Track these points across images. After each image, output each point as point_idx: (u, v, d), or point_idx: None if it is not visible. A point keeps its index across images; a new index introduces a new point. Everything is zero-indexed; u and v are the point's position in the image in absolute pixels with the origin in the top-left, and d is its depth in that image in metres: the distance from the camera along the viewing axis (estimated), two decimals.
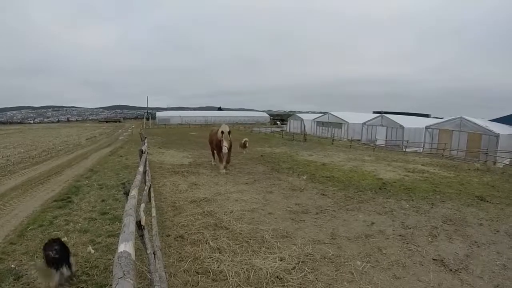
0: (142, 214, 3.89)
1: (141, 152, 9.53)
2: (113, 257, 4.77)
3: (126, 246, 2.08)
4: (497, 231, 7.02)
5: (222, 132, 13.34)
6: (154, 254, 3.34)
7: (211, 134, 15.24)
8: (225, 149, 13.13)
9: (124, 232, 2.41)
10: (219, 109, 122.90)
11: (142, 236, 3.70)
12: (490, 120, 43.43)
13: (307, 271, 4.92)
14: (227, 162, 14.12)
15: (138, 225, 3.78)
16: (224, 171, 13.55)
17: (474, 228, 7.17)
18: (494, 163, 21.76)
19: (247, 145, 21.23)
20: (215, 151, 14.88)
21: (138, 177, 5.25)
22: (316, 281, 4.64)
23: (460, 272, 5.08)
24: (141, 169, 6.55)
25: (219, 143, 13.45)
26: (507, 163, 21.92)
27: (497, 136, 27.26)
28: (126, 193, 4.17)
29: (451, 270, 5.15)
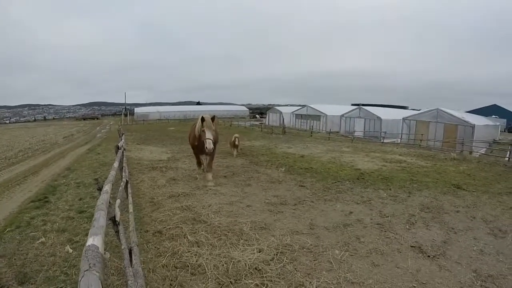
0: (117, 209, 3.85)
1: (117, 148, 9.51)
2: None
3: (94, 240, 2.08)
4: (474, 217, 7.18)
5: (203, 120, 9.29)
6: (131, 250, 3.31)
7: (192, 130, 10.87)
8: (209, 144, 8.86)
9: (93, 226, 2.41)
10: (198, 103, 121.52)
11: (117, 232, 3.67)
12: (467, 112, 44.51)
13: (285, 261, 4.93)
14: (209, 165, 10.40)
15: (113, 220, 3.78)
16: (212, 183, 9.87)
17: (451, 215, 7.32)
18: (470, 152, 22.28)
19: (237, 142, 16.50)
20: (200, 156, 10.82)
21: (112, 173, 5.19)
22: (295, 271, 4.64)
23: (438, 258, 5.17)
24: (116, 164, 6.50)
25: (200, 141, 9.47)
26: (483, 152, 22.50)
27: (473, 126, 28.04)
28: (99, 189, 4.12)
29: (429, 256, 5.23)
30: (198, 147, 10.14)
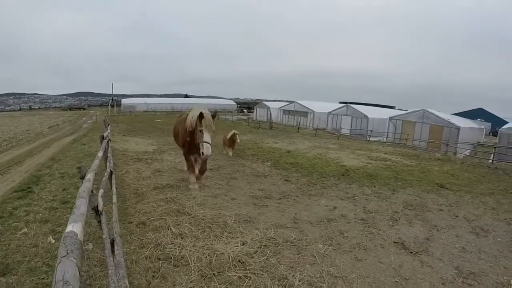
0: (99, 199, 3.84)
1: (102, 138, 9.44)
2: None
3: (73, 227, 2.09)
4: (456, 216, 7.29)
5: (201, 117, 7.40)
6: (114, 240, 3.30)
7: (178, 123, 9.26)
8: (208, 149, 7.26)
9: (74, 213, 2.44)
10: (186, 96, 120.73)
11: (100, 222, 3.65)
12: (453, 114, 45.21)
13: (269, 254, 4.91)
14: (202, 172, 8.73)
15: (96, 210, 3.78)
16: (196, 186, 8.45)
17: (434, 213, 7.41)
18: (455, 153, 22.65)
19: (237, 140, 14.31)
20: (190, 155, 8.52)
21: (96, 162, 5.16)
22: (278, 264, 4.64)
23: (420, 254, 5.22)
24: (100, 154, 6.49)
25: (193, 137, 7.77)
26: (467, 154, 22.88)
27: (458, 128, 28.60)
28: (82, 177, 4.07)
29: (411, 252, 5.28)
30: (189, 147, 8.15)
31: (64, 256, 1.64)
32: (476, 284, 4.44)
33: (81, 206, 2.65)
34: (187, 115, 8.17)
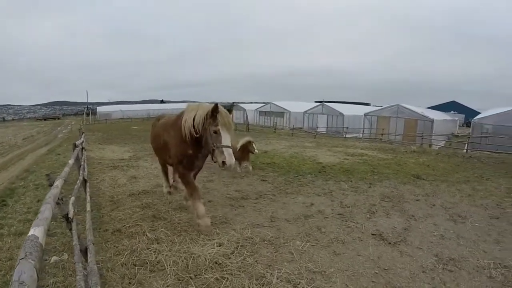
0: (70, 207, 3.81)
1: (74, 146, 9.24)
2: (49, 257, 4.62)
3: (35, 231, 2.13)
4: (433, 205, 7.36)
5: (215, 113, 5.21)
6: (87, 248, 3.31)
7: (162, 129, 6.64)
8: (230, 157, 5.12)
9: (38, 218, 2.45)
10: (162, 101, 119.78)
11: (70, 229, 3.63)
12: (427, 108, 46.34)
13: (246, 254, 4.84)
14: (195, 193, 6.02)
15: (66, 218, 3.76)
16: (209, 221, 5.81)
17: (411, 203, 7.45)
18: (430, 145, 23.14)
19: (255, 150, 10.93)
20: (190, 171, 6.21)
21: (66, 169, 5.09)
22: (256, 264, 4.57)
23: (399, 245, 5.22)
24: (71, 161, 6.37)
25: (197, 148, 5.70)
26: (442, 145, 23.40)
27: (432, 121, 29.40)
28: (51, 185, 4.00)
29: (390, 243, 5.27)
30: (190, 163, 5.96)
31: (22, 258, 1.71)
32: (456, 270, 4.45)
33: (46, 211, 2.65)
34: (178, 117, 5.99)
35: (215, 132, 5.15)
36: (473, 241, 5.38)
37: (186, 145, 5.66)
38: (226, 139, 5.16)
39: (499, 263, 4.63)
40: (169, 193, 7.82)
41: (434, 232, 5.77)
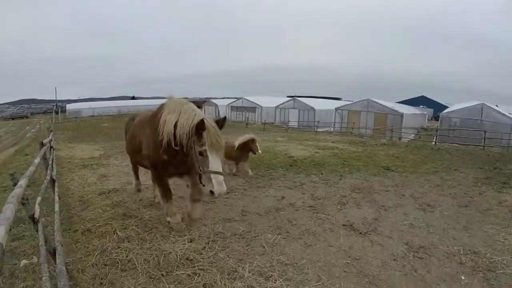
0: (36, 207, 3.76)
1: (42, 144, 8.86)
2: (19, 261, 4.48)
3: None
4: (403, 195, 7.49)
5: (200, 129, 4.25)
6: (55, 249, 3.29)
7: (139, 127, 5.85)
8: (221, 187, 4.29)
9: None
10: (133, 98, 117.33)
11: (37, 230, 3.62)
12: (397, 102, 47.43)
13: (217, 249, 4.79)
14: (196, 200, 5.41)
15: (32, 218, 3.70)
16: (179, 218, 5.69)
17: (381, 194, 7.56)
18: (399, 138, 23.70)
19: (258, 150, 9.46)
20: (168, 177, 5.62)
21: (31, 169, 4.97)
22: (227, 258, 4.53)
23: (370, 234, 5.26)
24: (36, 161, 6.17)
25: (173, 153, 4.76)
26: (411, 138, 23.96)
27: (401, 115, 30.20)
28: (15, 184, 3.86)
29: (361, 233, 5.30)
30: (165, 168, 5.16)
31: None
32: (427, 257, 4.53)
33: (7, 210, 2.60)
34: (156, 112, 5.16)
35: (201, 153, 4.27)
36: (443, 229, 5.49)
37: (162, 150, 4.76)
38: (214, 163, 4.26)
39: (469, 249, 4.75)
40: (139, 190, 7.66)
41: (404, 221, 5.86)
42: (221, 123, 4.55)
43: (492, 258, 4.48)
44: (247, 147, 9.32)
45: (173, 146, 4.53)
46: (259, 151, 9.52)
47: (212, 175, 4.21)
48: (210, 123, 4.33)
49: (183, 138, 4.38)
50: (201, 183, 4.39)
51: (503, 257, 4.52)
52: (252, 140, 9.28)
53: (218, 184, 4.22)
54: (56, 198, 5.89)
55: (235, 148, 9.31)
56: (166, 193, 5.54)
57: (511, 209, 6.49)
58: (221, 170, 4.31)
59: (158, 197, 6.32)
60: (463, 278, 4.02)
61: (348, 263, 4.37)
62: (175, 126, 4.48)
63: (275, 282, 3.90)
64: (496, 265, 4.30)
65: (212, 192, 4.25)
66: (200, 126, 4.18)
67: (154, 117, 5.11)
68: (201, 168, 4.27)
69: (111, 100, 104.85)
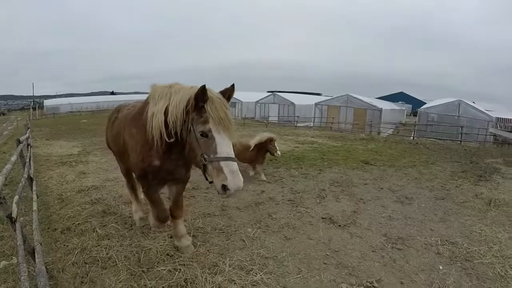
0: (14, 206, 3.70)
1: (18, 142, 8.65)
2: None
3: None
4: (381, 188, 7.62)
5: (202, 100, 3.16)
6: (34, 249, 3.29)
7: (124, 124, 4.48)
8: (236, 178, 3.01)
9: None
10: (112, 93, 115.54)
11: (15, 230, 3.60)
12: (376, 98, 48.13)
13: (198, 244, 4.78)
14: (177, 209, 4.68)
15: (10, 218, 3.65)
16: (189, 241, 4.68)
17: (360, 187, 7.66)
18: (378, 133, 24.11)
19: (277, 151, 8.36)
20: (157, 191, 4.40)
21: (8, 167, 4.81)
22: (208, 253, 4.53)
23: (348, 227, 5.33)
24: (13, 158, 6.00)
25: (167, 156, 3.77)
26: (390, 133, 24.37)
27: (380, 110, 30.58)
28: None
29: (340, 225, 5.36)
30: (153, 173, 4.00)
31: None
32: (405, 248, 4.63)
33: None
34: (142, 107, 4.01)
35: (204, 134, 3.18)
36: (420, 221, 5.61)
37: (153, 152, 3.73)
38: (224, 145, 3.15)
39: (446, 240, 4.87)
40: (142, 220, 5.45)
41: (382, 213, 5.96)
42: (228, 93, 3.51)
43: (469, 248, 4.59)
44: (264, 148, 8.29)
45: (167, 138, 3.41)
46: (278, 152, 8.37)
47: (222, 163, 3.06)
48: (212, 92, 3.29)
49: (177, 120, 3.27)
50: (206, 179, 3.27)
51: (480, 247, 4.64)
52: (270, 140, 8.24)
53: (232, 174, 3.01)
54: (34, 196, 5.83)
55: (250, 149, 8.23)
56: (161, 212, 4.37)
57: (487, 201, 6.66)
58: (233, 155, 3.16)
59: (151, 219, 4.79)
60: (441, 268, 4.11)
61: (327, 255, 4.42)
62: (166, 112, 3.39)
63: (256, 276, 3.91)
64: (473, 255, 4.41)
65: (224, 188, 3.01)
66: (201, 96, 3.13)
67: (140, 113, 3.91)
68: (205, 156, 3.13)
69: (90, 95, 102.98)
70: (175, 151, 3.65)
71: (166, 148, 3.57)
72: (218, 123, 3.12)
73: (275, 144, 8.28)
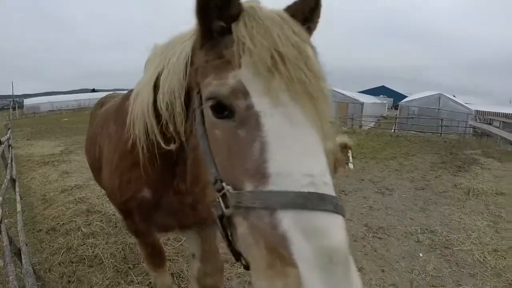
0: None
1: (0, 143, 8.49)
2: None
3: None
4: (362, 180, 7.74)
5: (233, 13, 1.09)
6: (20, 250, 3.31)
7: (102, 118, 2.79)
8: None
9: None
10: (93, 90, 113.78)
11: (0, 231, 3.57)
12: (358, 92, 48.61)
13: (183, 239, 4.80)
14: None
15: None
16: None
17: (341, 179, 7.69)
18: (360, 126, 24.38)
19: (350, 163, 7.43)
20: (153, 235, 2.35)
21: None
22: None
23: None
24: None
25: (136, 181, 1.87)
26: (372, 126, 24.66)
27: (362, 104, 30.93)
28: None
29: None
30: (139, 209, 1.99)
31: None
32: (386, 237, 4.72)
33: None
34: (124, 99, 2.17)
35: (222, 107, 1.07)
36: (401, 211, 5.73)
37: (138, 171, 1.80)
38: (295, 148, 0.93)
39: (426, 229, 4.98)
40: None
41: (363, 204, 6.06)
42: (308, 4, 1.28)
43: (448, 236, 4.71)
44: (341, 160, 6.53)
45: (160, 141, 1.53)
46: (351, 165, 6.94)
47: (288, 218, 0.84)
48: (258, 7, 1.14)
49: (176, 99, 1.36)
50: (233, 254, 1.07)
51: (458, 235, 4.76)
52: (346, 147, 6.71)
53: (325, 271, 0.78)
54: (18, 198, 5.80)
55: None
56: (156, 258, 2.53)
57: (466, 191, 6.83)
58: (327, 187, 0.90)
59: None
60: (421, 255, 4.21)
61: None
62: (157, 85, 1.50)
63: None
64: (452, 243, 4.53)
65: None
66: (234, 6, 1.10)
67: (120, 108, 2.16)
68: (223, 185, 1.03)
69: (71, 93, 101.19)
70: (181, 170, 1.71)
71: (161, 163, 1.72)
72: (272, 73, 1.00)
73: (349, 155, 6.69)
